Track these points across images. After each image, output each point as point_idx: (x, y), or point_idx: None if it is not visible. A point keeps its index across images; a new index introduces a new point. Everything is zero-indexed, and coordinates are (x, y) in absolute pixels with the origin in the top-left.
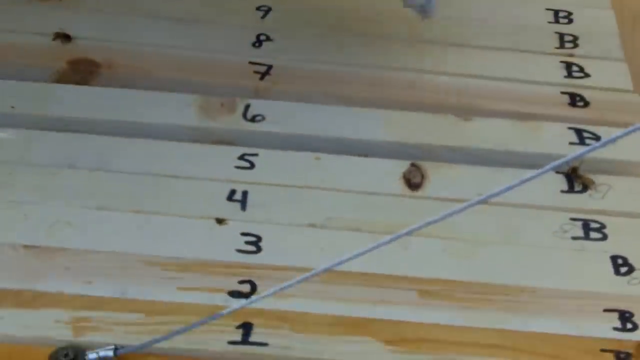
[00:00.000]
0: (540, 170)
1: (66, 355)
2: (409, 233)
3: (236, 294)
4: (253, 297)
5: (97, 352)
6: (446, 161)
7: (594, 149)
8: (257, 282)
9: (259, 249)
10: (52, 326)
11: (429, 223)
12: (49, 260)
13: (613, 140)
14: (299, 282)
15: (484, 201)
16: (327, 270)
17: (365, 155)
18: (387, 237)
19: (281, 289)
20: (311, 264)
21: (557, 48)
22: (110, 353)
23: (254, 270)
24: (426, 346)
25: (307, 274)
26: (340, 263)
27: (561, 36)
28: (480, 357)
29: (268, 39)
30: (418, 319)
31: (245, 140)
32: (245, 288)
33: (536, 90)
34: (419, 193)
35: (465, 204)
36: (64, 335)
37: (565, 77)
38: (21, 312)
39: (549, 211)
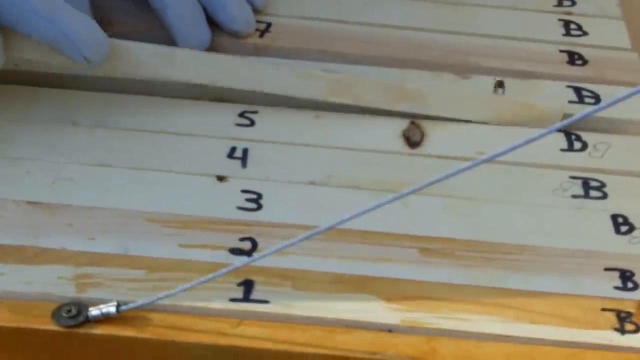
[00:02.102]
0: (546, 130)
1: (69, 311)
2: (412, 192)
3: (237, 251)
4: (255, 255)
5: (100, 309)
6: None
7: (601, 109)
8: (257, 240)
9: (259, 206)
10: (54, 282)
11: (433, 182)
12: (51, 216)
13: (620, 101)
14: (301, 240)
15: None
16: (330, 229)
17: (364, 114)
18: (390, 196)
19: (284, 247)
20: (312, 221)
21: (555, 6)
22: (113, 309)
23: (254, 227)
24: (427, 304)
25: (310, 232)
26: (343, 222)
27: None
28: (481, 315)
29: None
30: (419, 277)
31: (244, 99)
32: (246, 245)
33: (534, 48)
34: (419, 150)
35: (469, 164)
36: (66, 291)
37: (564, 35)
38: (23, 268)
39: (549, 169)
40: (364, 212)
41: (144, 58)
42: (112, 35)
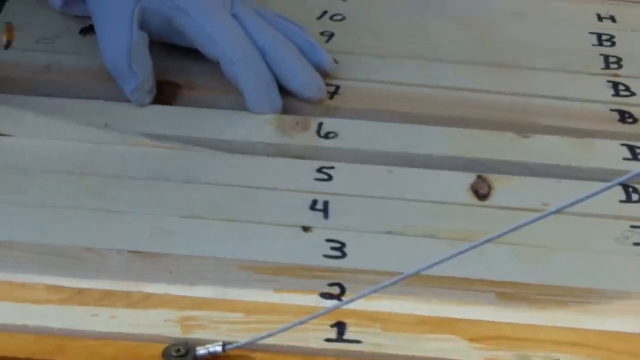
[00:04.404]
0: (609, 184)
1: (178, 350)
2: (487, 241)
3: (327, 295)
4: (350, 298)
5: (207, 348)
6: (508, 174)
7: None
8: (345, 285)
9: (343, 254)
10: (162, 324)
11: (507, 232)
12: (153, 264)
13: None
14: (389, 285)
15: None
16: (416, 274)
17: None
18: (469, 244)
19: (372, 291)
20: (393, 267)
21: (603, 69)
22: (219, 348)
23: (341, 273)
24: (506, 343)
25: (399, 277)
26: (430, 266)
27: (606, 58)
28: (558, 353)
29: (335, 61)
30: (497, 319)
31: (320, 155)
32: (335, 290)
33: (587, 107)
34: (487, 202)
35: (540, 215)
36: (173, 332)
37: (613, 95)
38: (132, 311)
39: (610, 219)
40: (448, 259)
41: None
42: (191, 98)
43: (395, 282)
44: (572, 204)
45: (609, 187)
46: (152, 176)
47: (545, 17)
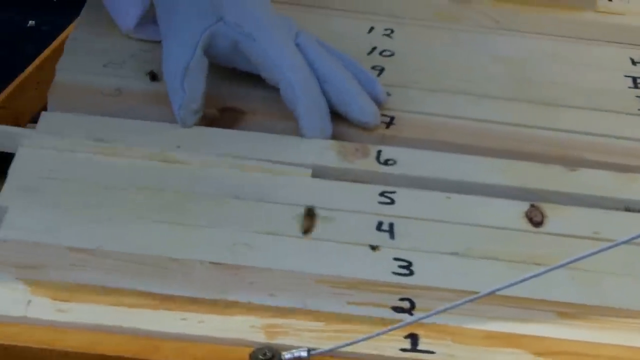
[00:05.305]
0: None
1: (264, 354)
2: (555, 268)
3: (399, 309)
4: (423, 314)
5: (292, 353)
6: (558, 204)
7: None
8: (414, 300)
9: (411, 272)
10: (247, 330)
11: (572, 261)
12: (234, 275)
13: None
14: (466, 302)
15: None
16: (491, 294)
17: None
18: (540, 269)
19: (451, 307)
20: (458, 285)
21: None
22: (304, 354)
23: (410, 290)
24: (569, 358)
25: (475, 296)
26: (505, 287)
27: None
28: None
29: (387, 94)
30: (559, 336)
31: (380, 181)
32: (406, 305)
33: (627, 145)
34: (542, 229)
35: (603, 247)
36: (258, 337)
37: None
38: (218, 317)
39: None
40: (522, 281)
41: None
42: (252, 123)
43: (472, 300)
44: (632, 239)
45: None
46: (224, 194)
47: (580, 60)
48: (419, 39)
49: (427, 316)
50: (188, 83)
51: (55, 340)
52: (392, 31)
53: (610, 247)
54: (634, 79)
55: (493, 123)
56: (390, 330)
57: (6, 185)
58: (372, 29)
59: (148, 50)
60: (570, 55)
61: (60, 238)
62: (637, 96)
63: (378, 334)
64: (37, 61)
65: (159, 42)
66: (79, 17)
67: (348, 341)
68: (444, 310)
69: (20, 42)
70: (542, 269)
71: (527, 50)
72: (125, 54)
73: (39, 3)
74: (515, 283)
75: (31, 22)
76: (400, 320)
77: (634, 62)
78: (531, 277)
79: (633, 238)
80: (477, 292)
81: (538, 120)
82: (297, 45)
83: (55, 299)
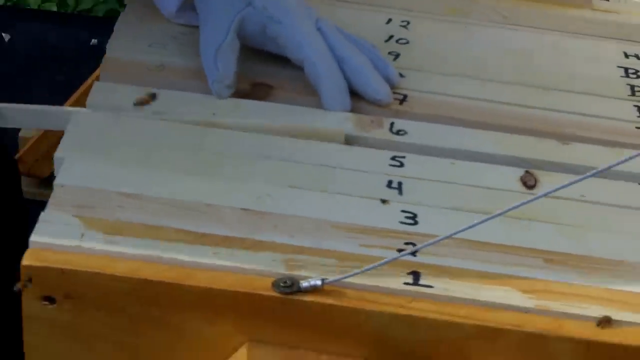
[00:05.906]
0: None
1: (285, 282)
2: (494, 217)
3: (404, 251)
4: (423, 244)
5: (309, 282)
6: (551, 172)
7: None
8: (418, 244)
9: (416, 222)
10: (270, 263)
11: (507, 210)
12: (259, 220)
13: None
14: (445, 238)
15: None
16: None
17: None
18: (531, 225)
19: (441, 239)
20: (459, 234)
21: (630, 95)
22: (319, 282)
23: (414, 236)
24: (552, 296)
25: (445, 236)
26: (464, 230)
27: (632, 87)
28: (595, 305)
29: (400, 75)
30: (545, 277)
31: (392, 147)
32: (410, 248)
33: (616, 125)
34: (534, 191)
35: (531, 198)
36: (280, 269)
37: (638, 117)
38: (247, 252)
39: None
40: (475, 225)
41: None
42: (280, 97)
43: (448, 237)
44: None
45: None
46: (254, 154)
47: (578, 52)
48: (433, 30)
49: (422, 247)
50: (220, 61)
51: (105, 266)
52: (408, 23)
53: (536, 199)
54: (626, 69)
55: (495, 103)
56: (393, 259)
57: (63, 141)
58: (390, 20)
59: (187, 33)
60: (569, 48)
61: (110, 185)
62: (628, 84)
63: (382, 264)
64: (94, 76)
65: (196, 26)
66: (127, 5)
67: (357, 270)
68: (434, 243)
69: (83, 59)
70: (530, 225)
71: (531, 42)
72: (167, 36)
73: (102, 23)
74: (471, 227)
75: (94, 41)
76: (405, 260)
77: (626, 55)
78: (487, 220)
79: (552, 191)
80: (473, 241)
81: (536, 102)
82: (318, 29)
83: (105, 232)
